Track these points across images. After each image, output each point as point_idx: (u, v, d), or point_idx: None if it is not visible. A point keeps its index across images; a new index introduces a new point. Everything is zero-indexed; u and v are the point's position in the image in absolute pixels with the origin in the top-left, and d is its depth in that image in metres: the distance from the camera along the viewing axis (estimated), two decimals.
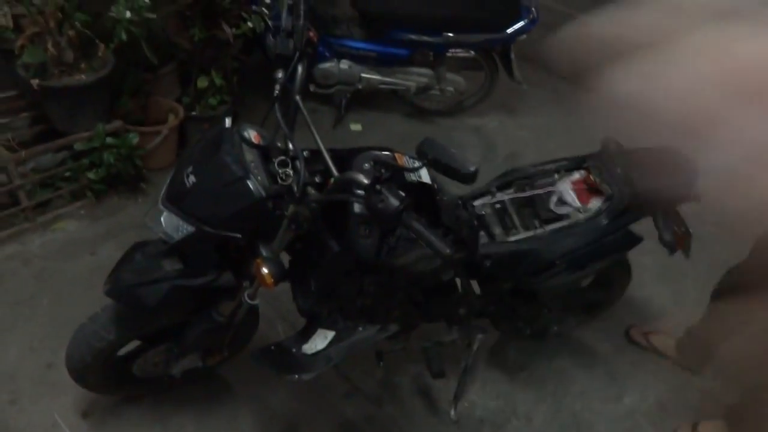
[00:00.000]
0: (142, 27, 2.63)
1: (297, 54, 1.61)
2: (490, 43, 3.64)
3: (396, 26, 3.55)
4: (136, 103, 3.11)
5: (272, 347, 1.83)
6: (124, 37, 2.52)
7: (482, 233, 1.99)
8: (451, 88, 3.86)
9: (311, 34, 1.65)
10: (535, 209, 2.01)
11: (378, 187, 1.35)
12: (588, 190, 1.98)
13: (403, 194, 1.36)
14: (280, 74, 1.62)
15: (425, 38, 3.58)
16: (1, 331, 2.33)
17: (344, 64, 3.69)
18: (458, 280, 2.03)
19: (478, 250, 1.89)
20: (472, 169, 1.41)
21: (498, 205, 2.05)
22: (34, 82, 2.53)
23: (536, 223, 1.99)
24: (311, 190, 1.54)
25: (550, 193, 2.00)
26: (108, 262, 1.74)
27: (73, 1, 2.57)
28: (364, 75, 3.73)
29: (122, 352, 1.91)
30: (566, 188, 1.98)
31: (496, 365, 2.51)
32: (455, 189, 1.93)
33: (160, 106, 3.23)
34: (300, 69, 1.63)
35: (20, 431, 2.05)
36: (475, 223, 1.95)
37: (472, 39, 3.60)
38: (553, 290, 2.07)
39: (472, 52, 3.75)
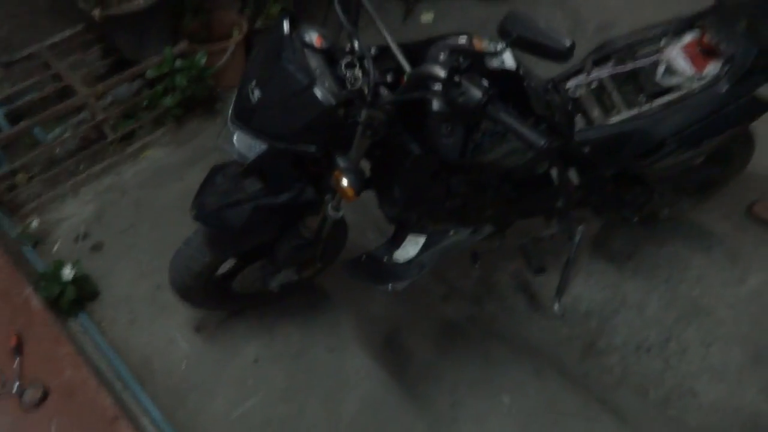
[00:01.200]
0: None
1: None
2: None
3: None
4: (200, 21, 3.03)
5: (363, 257, 1.79)
6: None
7: (578, 117, 1.79)
8: None
9: None
10: (639, 84, 1.77)
11: (456, 78, 1.20)
12: (703, 53, 1.71)
13: (486, 83, 1.20)
14: None
15: None
16: (112, 259, 2.46)
17: None
18: (554, 171, 1.87)
19: (575, 137, 1.71)
20: (568, 43, 1.22)
21: (595, 84, 1.82)
22: (95, 12, 2.48)
23: (641, 99, 1.76)
24: (384, 91, 1.40)
25: (656, 63, 1.75)
26: (196, 186, 1.72)
27: None
28: None
29: (222, 270, 1.95)
30: (676, 54, 1.71)
31: (601, 256, 2.37)
32: (543, 71, 1.74)
33: (223, 21, 3.12)
34: None
35: (142, 347, 2.19)
36: (570, 107, 1.75)
37: None
38: (663, 172, 1.87)
39: None
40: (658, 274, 2.30)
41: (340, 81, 1.40)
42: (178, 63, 2.77)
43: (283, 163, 1.50)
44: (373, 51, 1.46)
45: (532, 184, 1.88)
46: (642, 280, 2.29)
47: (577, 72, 1.85)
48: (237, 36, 3.01)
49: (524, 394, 2.03)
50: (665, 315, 2.19)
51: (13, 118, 2.73)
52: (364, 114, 1.36)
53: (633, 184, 1.98)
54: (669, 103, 1.71)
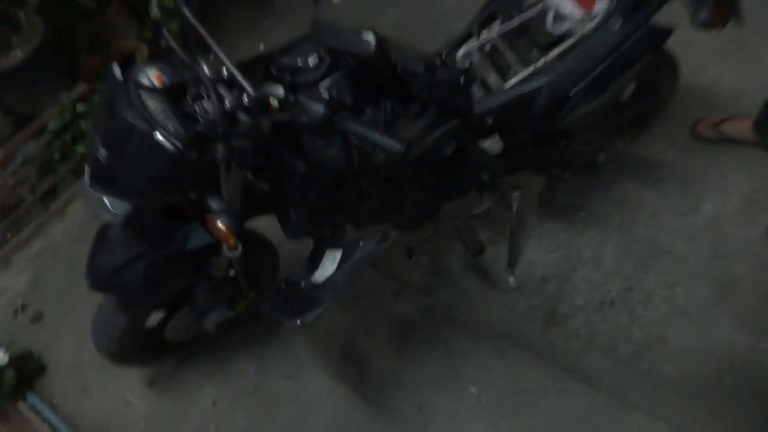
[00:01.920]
0: None
1: None
2: None
3: None
4: (97, 56, 2.87)
5: (282, 285, 1.68)
6: None
7: (476, 87, 1.65)
8: None
9: None
10: (530, 37, 1.63)
11: (291, 97, 1.07)
12: None
13: (326, 96, 1.08)
14: None
15: None
16: (54, 328, 2.36)
17: None
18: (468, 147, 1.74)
19: (475, 109, 1.58)
20: (372, 44, 1.08)
21: (487, 47, 1.68)
22: None
23: (535, 53, 1.62)
24: (243, 117, 1.27)
25: (543, 12, 1.60)
26: None
27: None
28: None
29: (150, 324, 1.85)
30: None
31: (547, 215, 2.25)
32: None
33: (123, 50, 2.96)
34: None
35: (98, 416, 2.11)
36: (462, 79, 1.61)
37: None
38: (582, 122, 1.74)
39: None
40: (610, 222, 2.18)
41: (191, 117, 1.27)
42: (80, 107, 2.63)
43: (155, 217, 1.38)
44: (226, 73, 1.32)
45: (449, 164, 1.75)
46: (594, 231, 2.17)
47: (466, 38, 1.71)
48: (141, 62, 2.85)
49: (491, 380, 1.94)
50: (623, 263, 2.08)
51: None
52: (220, 149, 1.23)
53: (555, 140, 1.85)
54: (563, 53, 1.57)
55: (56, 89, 2.62)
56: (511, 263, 2.08)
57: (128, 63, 1.30)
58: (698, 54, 2.32)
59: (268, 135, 1.30)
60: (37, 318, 2.42)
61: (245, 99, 1.29)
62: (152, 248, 1.46)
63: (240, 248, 1.49)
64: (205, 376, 2.12)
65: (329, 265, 1.65)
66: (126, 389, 2.14)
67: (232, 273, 1.65)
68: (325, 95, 1.08)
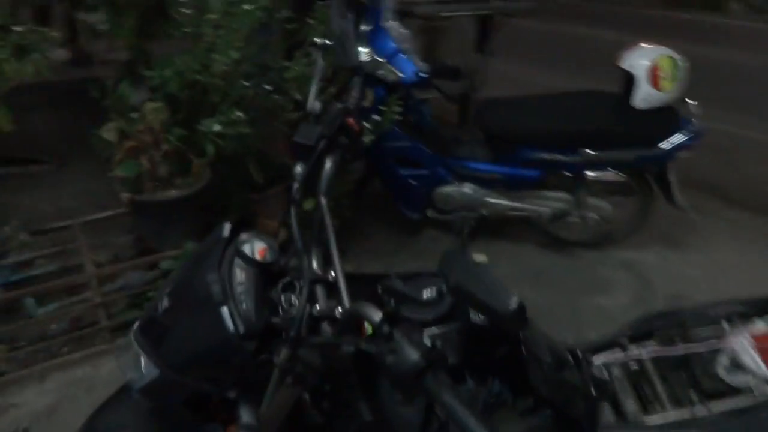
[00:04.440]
0: (237, 142, 2.49)
1: (322, 143, 1.23)
2: (640, 160, 3.01)
3: (525, 144, 3.10)
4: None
5: None
6: (212, 150, 2.39)
7: (605, 407, 1.33)
8: (594, 215, 3.24)
9: (351, 120, 1.27)
10: (692, 375, 1.31)
11: (386, 328, 0.85)
12: None
13: (428, 344, 0.84)
14: (298, 169, 1.24)
15: (560, 157, 3.06)
16: None
17: (467, 188, 3.25)
18: None
19: None
20: (513, 305, 0.85)
21: (633, 365, 1.39)
22: (124, 195, 2.45)
23: (694, 396, 1.29)
24: (327, 328, 1.07)
25: (716, 352, 1.31)
26: None
27: (176, 115, 2.53)
28: (489, 200, 3.25)
29: None
30: (744, 345, 1.27)
31: None
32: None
33: (266, 228, 3.04)
34: (329, 164, 1.24)
35: None
36: (594, 391, 1.30)
37: (617, 156, 3.01)
38: None
39: (619, 173, 3.14)
40: None
41: (272, 307, 1.09)
42: None
43: (177, 400, 1.13)
44: (331, 276, 1.16)
45: None
46: None
47: (610, 344, 1.43)
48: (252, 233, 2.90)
49: None
50: None
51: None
52: (283, 353, 1.01)
53: None
54: (735, 412, 1.22)
55: (186, 237, 2.67)
56: None
57: (239, 229, 1.19)
58: None
59: (345, 361, 1.07)
60: None
61: (338, 311, 1.10)
62: None
63: None
64: None
65: None
66: None
67: None
68: (427, 342, 0.85)
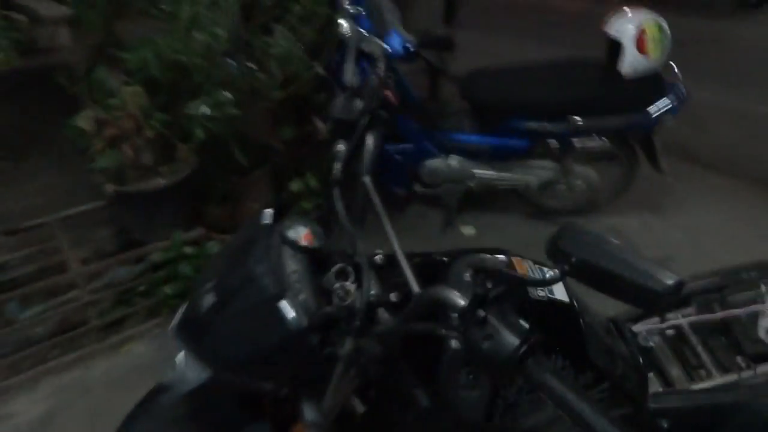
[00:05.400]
0: (225, 125, 2.37)
1: (365, 118, 1.16)
2: (628, 127, 3.03)
3: (511, 114, 3.07)
4: (225, 210, 2.85)
5: None
6: (201, 135, 2.27)
7: (651, 376, 1.32)
8: (581, 183, 3.26)
9: (388, 92, 1.20)
10: (734, 339, 1.32)
11: (481, 313, 0.80)
12: None
13: (526, 325, 0.80)
14: (340, 147, 1.17)
15: (547, 126, 3.04)
16: None
17: (453, 160, 3.21)
18: None
19: (649, 403, 1.23)
20: (670, 281, 0.81)
21: (672, 332, 1.39)
22: (108, 187, 2.31)
23: (739, 361, 1.30)
24: (385, 315, 1.01)
25: (755, 316, 1.32)
26: None
27: (156, 99, 2.39)
28: (476, 171, 3.22)
29: None
30: None
31: None
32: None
33: (251, 212, 2.94)
34: (371, 140, 1.17)
35: None
36: (641, 360, 1.29)
37: (604, 123, 3.01)
38: None
39: (605, 140, 3.15)
40: None
41: (326, 295, 1.03)
42: (188, 250, 2.52)
43: (228, 398, 1.07)
44: (379, 259, 1.10)
45: None
46: None
47: (645, 314, 1.43)
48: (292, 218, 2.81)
49: None
50: None
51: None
52: (347, 345, 0.95)
53: None
54: None
55: (174, 227, 2.55)
56: None
57: (279, 214, 1.12)
58: None
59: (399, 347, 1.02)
60: None
61: (393, 296, 1.04)
62: None
63: None
64: None
65: None
66: None
67: None
68: (524, 323, 0.80)
